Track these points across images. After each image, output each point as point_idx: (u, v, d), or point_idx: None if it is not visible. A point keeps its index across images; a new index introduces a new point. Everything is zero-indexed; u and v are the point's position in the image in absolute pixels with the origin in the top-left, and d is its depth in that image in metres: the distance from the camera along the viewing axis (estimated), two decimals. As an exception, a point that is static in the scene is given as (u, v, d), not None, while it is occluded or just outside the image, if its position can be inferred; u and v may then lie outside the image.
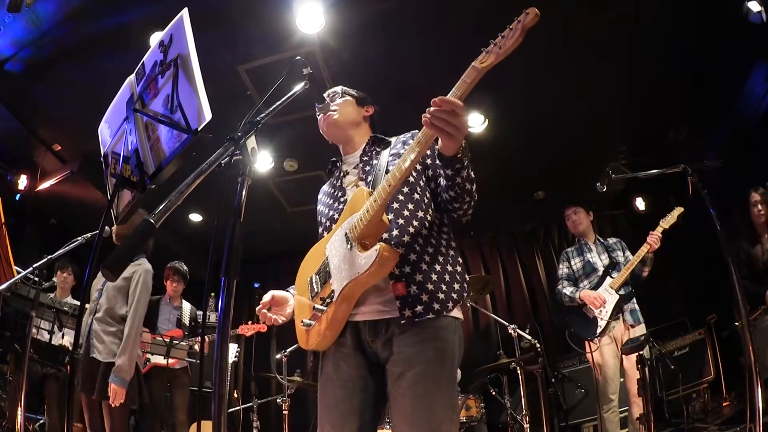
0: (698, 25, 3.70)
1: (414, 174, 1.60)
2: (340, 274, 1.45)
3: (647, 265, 3.52)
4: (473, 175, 1.47)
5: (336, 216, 1.64)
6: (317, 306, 1.51)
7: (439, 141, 1.35)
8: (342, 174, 1.76)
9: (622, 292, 3.48)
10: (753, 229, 3.51)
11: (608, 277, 3.57)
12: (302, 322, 1.55)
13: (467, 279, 1.58)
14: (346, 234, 1.47)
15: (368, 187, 1.54)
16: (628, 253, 3.76)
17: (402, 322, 1.41)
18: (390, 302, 1.45)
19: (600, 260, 3.72)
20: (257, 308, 1.61)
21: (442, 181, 1.50)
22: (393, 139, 1.74)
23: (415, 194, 1.57)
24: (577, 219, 3.91)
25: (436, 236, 1.55)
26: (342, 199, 1.67)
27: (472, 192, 1.50)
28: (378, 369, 1.49)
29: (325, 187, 1.86)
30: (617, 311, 3.46)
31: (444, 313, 1.44)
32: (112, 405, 2.74)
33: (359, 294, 1.46)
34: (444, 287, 1.47)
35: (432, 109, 1.27)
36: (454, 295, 1.48)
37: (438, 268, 1.48)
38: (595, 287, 3.59)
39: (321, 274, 1.56)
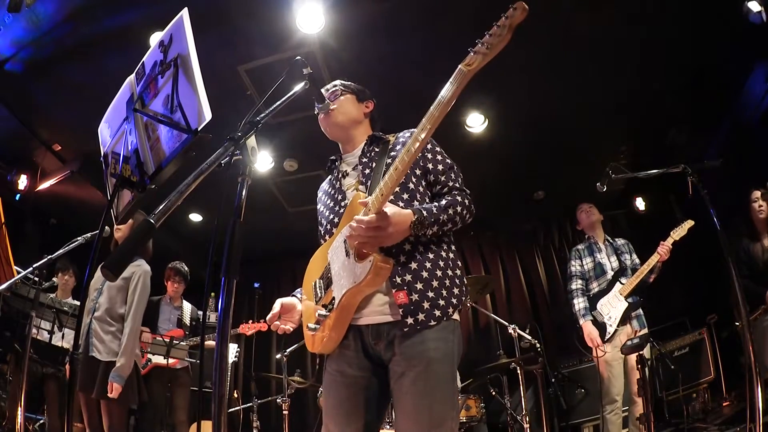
0: (698, 25, 3.70)
1: (413, 180, 1.60)
2: (340, 281, 1.47)
3: (654, 272, 3.56)
4: (444, 217, 1.50)
5: (336, 220, 1.64)
6: (320, 312, 1.52)
7: None
8: (341, 174, 1.75)
9: (630, 300, 3.51)
10: (753, 228, 3.52)
11: (618, 283, 3.60)
12: (308, 326, 1.57)
13: (465, 281, 1.59)
14: (345, 241, 1.48)
15: (367, 193, 1.54)
16: (635, 256, 3.81)
17: (405, 329, 1.42)
18: (392, 306, 1.46)
19: (609, 262, 3.76)
20: (268, 318, 1.59)
21: None
22: (392, 138, 1.72)
23: (415, 202, 1.56)
24: (590, 211, 3.97)
25: (436, 241, 1.55)
26: (342, 203, 1.67)
27: (456, 222, 1.54)
28: (381, 369, 1.51)
29: (325, 186, 1.86)
30: (625, 318, 3.50)
31: (444, 319, 1.46)
32: (110, 396, 2.75)
33: (359, 301, 1.48)
34: (444, 293, 1.48)
35: (350, 231, 1.39)
36: (454, 300, 1.49)
37: (439, 273, 1.49)
38: (605, 292, 3.63)
39: (324, 279, 1.58)
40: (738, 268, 2.65)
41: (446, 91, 1.29)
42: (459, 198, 1.56)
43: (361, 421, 1.47)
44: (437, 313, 1.45)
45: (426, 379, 1.39)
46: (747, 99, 4.31)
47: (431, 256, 1.51)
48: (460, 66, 1.28)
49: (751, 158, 4.40)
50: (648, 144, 5.03)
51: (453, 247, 1.61)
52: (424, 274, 1.47)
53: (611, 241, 3.90)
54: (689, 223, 3.53)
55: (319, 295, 1.58)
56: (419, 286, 1.45)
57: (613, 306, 3.54)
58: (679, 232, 3.52)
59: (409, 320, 1.42)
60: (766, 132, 4.22)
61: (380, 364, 1.50)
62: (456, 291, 1.51)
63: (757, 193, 3.52)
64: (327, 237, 1.68)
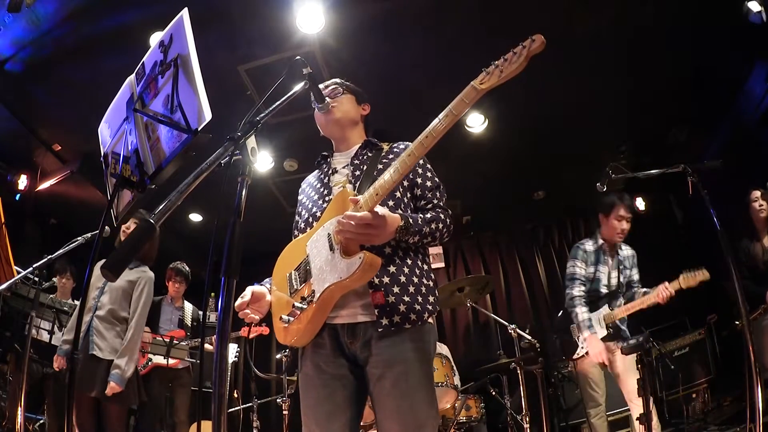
0: (698, 25, 3.71)
1: (400, 189, 1.64)
2: (322, 276, 1.47)
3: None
4: (427, 230, 1.54)
5: (318, 214, 1.65)
6: (297, 304, 1.51)
7: None
8: (330, 171, 1.77)
9: (611, 329, 3.25)
10: (753, 228, 3.49)
11: (606, 307, 3.34)
12: (281, 318, 1.56)
13: (437, 294, 1.63)
14: (329, 235, 1.48)
15: (355, 191, 1.55)
16: (635, 271, 3.54)
17: (380, 330, 1.45)
18: (368, 306, 1.49)
19: (609, 279, 3.46)
20: (237, 305, 1.54)
21: None
22: (386, 147, 1.76)
23: (399, 210, 1.59)
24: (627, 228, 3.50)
25: (414, 251, 1.59)
26: (327, 198, 1.68)
27: (435, 237, 1.57)
28: (357, 368, 1.52)
29: (311, 179, 1.87)
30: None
31: (419, 323, 1.49)
32: (107, 395, 2.75)
33: (338, 297, 1.48)
34: (420, 299, 1.52)
35: (339, 226, 1.39)
36: (430, 307, 1.54)
37: (416, 280, 1.54)
38: (590, 310, 3.35)
39: (301, 271, 1.57)
40: (738, 269, 2.64)
41: (456, 104, 1.34)
42: (442, 216, 1.60)
43: (343, 419, 1.48)
44: (413, 316, 1.48)
45: (406, 381, 1.42)
46: (747, 99, 4.31)
47: (409, 262, 1.55)
48: (472, 83, 1.33)
49: (751, 158, 4.40)
50: (648, 144, 5.03)
51: (428, 260, 1.67)
52: (402, 278, 1.51)
53: (619, 251, 3.57)
54: (703, 275, 3.05)
55: (295, 287, 1.56)
56: (396, 289, 1.49)
57: None
58: (689, 281, 3.07)
59: (384, 321, 1.45)
60: (766, 132, 4.22)
61: (356, 363, 1.52)
62: (431, 299, 1.56)
63: (757, 193, 3.49)
64: (306, 228, 1.68)
